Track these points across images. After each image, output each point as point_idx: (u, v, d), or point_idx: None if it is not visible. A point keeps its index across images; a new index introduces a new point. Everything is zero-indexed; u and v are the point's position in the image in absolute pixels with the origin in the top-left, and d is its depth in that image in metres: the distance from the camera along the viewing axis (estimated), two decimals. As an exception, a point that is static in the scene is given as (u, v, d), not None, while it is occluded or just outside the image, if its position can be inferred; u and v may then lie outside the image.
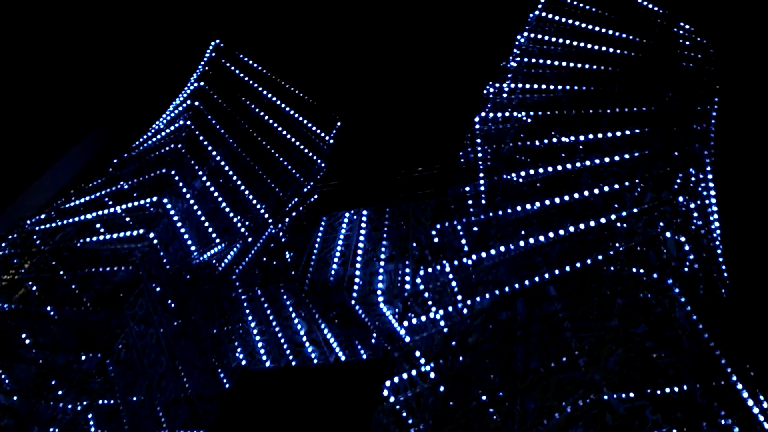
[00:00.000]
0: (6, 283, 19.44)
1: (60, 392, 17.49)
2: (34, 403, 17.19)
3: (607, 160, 17.73)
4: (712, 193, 17.88)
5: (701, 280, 15.05)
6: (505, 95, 21.37)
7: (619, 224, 16.03)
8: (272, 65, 26.94)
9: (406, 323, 16.77)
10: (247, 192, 23.48)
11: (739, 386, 13.84)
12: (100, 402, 17.07)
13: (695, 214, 15.75)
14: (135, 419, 18.58)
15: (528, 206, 17.50)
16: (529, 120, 20.50)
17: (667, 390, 13.12)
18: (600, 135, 18.65)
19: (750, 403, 14.00)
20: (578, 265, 15.31)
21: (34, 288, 19.36)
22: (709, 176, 18.23)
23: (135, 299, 19.04)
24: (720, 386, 13.82)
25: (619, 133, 18.49)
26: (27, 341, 18.13)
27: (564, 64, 21.33)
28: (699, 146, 17.35)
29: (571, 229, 16.22)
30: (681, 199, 15.67)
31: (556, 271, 15.50)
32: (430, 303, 16.95)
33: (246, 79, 26.19)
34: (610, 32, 21.67)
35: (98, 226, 20.88)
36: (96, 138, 29.63)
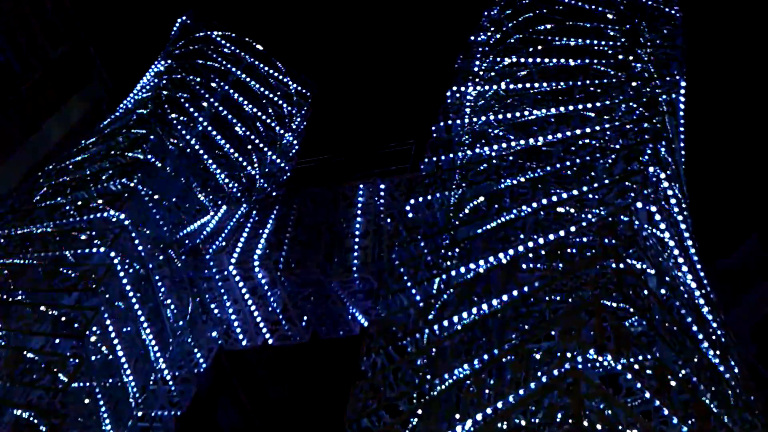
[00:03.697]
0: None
1: (35, 376, 17.36)
2: (9, 387, 17.04)
3: (578, 132, 17.82)
4: (683, 162, 18.06)
5: (672, 248, 15.22)
6: (476, 69, 21.36)
7: (590, 196, 16.15)
8: (242, 42, 26.71)
9: (381, 299, 16.82)
10: (218, 171, 23.34)
11: (711, 352, 14.07)
12: (76, 385, 16.95)
13: (665, 185, 15.89)
14: (111, 401, 18.51)
15: (501, 180, 17.58)
16: (500, 93, 20.53)
17: (640, 357, 13.28)
18: (571, 107, 18.73)
19: (721, 368, 14.25)
20: (551, 237, 15.41)
21: (5, 272, 19.14)
22: (681, 145, 18.40)
23: (108, 281, 18.88)
24: (691, 353, 14.03)
25: (590, 105, 18.58)
26: (-1, 326, 17.95)
27: (535, 36, 21.34)
28: (669, 116, 17.48)
29: (544, 201, 16.31)
30: (651, 169, 15.78)
31: (530, 244, 15.60)
32: (405, 278, 17.01)
33: (216, 56, 25.93)
34: (580, 4, 21.71)
35: (68, 208, 20.64)
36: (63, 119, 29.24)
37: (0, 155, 26.14)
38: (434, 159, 19.04)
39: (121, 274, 19.34)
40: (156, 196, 21.29)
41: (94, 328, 17.90)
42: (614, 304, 13.61)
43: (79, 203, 20.83)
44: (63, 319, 18.15)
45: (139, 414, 19.51)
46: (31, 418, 16.77)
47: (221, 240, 22.59)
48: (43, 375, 17.13)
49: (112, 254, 19.15)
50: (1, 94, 26.25)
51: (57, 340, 17.75)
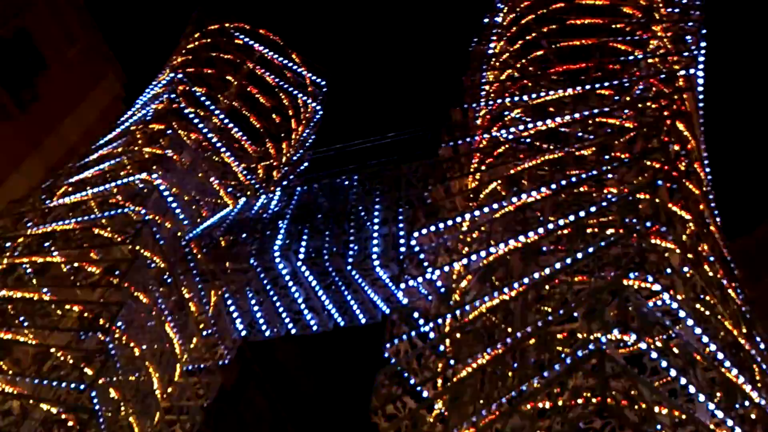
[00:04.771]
0: (0, 266, 19.36)
1: (62, 372, 17.53)
2: (37, 384, 17.23)
3: (596, 111, 17.67)
4: (702, 138, 17.86)
5: (694, 225, 15.07)
6: (490, 52, 21.23)
7: (610, 175, 16.02)
8: (255, 33, 26.71)
9: (402, 285, 16.80)
10: (236, 163, 23.39)
11: (735, 329, 13.94)
12: (102, 380, 17.07)
13: (686, 161, 15.73)
14: (138, 395, 18.64)
15: (518, 162, 17.48)
16: (516, 75, 20.39)
17: (665, 336, 13.20)
18: (588, 87, 18.56)
19: (746, 344, 14.11)
20: (571, 218, 15.32)
21: (29, 270, 19.31)
22: (700, 121, 18.18)
23: (131, 276, 18.98)
24: (716, 330, 13.91)
25: (607, 84, 18.40)
26: (25, 323, 18.11)
27: (549, 16, 21.15)
28: (687, 92, 17.28)
29: (563, 182, 16.19)
30: (671, 147, 15.63)
31: (550, 225, 15.51)
32: (425, 264, 16.97)
33: (229, 48, 25.96)
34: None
35: (90, 204, 20.79)
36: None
37: (19, 154, 26.37)
38: (451, 143, 18.95)
39: (144, 268, 19.44)
40: (175, 190, 21.37)
41: (119, 323, 18.02)
42: (637, 284, 13.53)
43: (100, 199, 20.97)
44: (87, 315, 18.28)
45: (166, 406, 19.66)
46: (60, 414, 16.95)
47: (241, 232, 22.63)
48: (70, 371, 17.29)
49: (134, 249, 19.24)
50: (18, 94, 26.45)
51: (82, 336, 17.88)
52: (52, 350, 17.62)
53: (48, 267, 19.35)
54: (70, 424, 16.49)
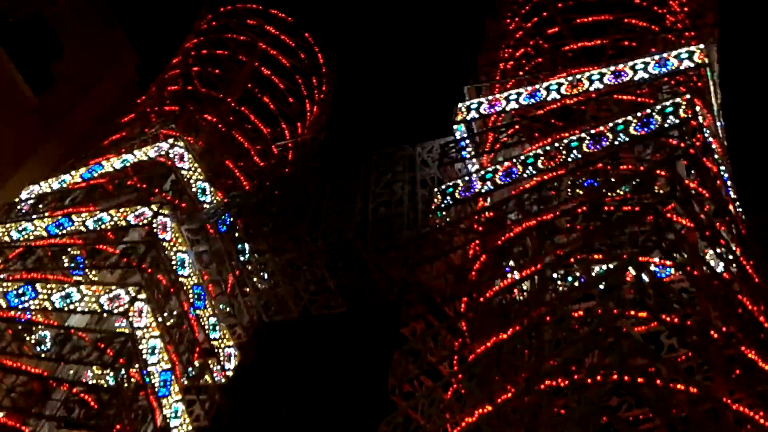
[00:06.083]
0: (20, 249, 19.54)
1: (83, 353, 17.67)
2: (57, 365, 17.43)
3: (611, 89, 17.53)
4: (720, 114, 17.68)
5: (710, 200, 14.96)
6: (505, 29, 21.09)
7: (627, 152, 15.93)
8: (267, 14, 26.66)
9: (419, 265, 16.83)
10: (251, 144, 23.43)
11: (754, 307, 13.84)
12: (122, 360, 17.22)
13: (703, 138, 15.57)
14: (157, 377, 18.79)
15: (534, 140, 17.39)
16: (531, 53, 20.26)
17: (682, 314, 13.13)
18: (603, 63, 18.41)
19: (764, 323, 14.01)
20: (587, 196, 15.25)
21: (48, 253, 19.45)
22: (718, 95, 17.99)
23: (149, 258, 19.09)
24: (734, 307, 13.83)
25: (622, 60, 18.24)
26: (45, 305, 18.25)
27: (564, -6, 21.02)
28: (704, 67, 17.10)
29: (579, 160, 16.11)
30: (689, 123, 15.49)
31: (565, 204, 15.47)
32: (441, 244, 16.97)
33: (242, 29, 25.94)
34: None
35: (107, 186, 20.90)
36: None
37: (36, 138, 26.55)
38: (465, 122, 18.86)
39: (162, 250, 19.54)
40: (192, 172, 21.43)
41: (137, 305, 18.14)
42: (654, 261, 13.47)
43: (117, 182, 21.07)
44: (106, 297, 18.39)
45: (186, 386, 19.81)
46: (81, 394, 17.14)
47: (257, 213, 22.69)
48: (90, 353, 17.44)
49: (152, 231, 19.33)
50: (33, 77, 26.59)
51: (101, 318, 18.03)
52: (74, 332, 17.76)
53: (66, 249, 19.49)
54: (92, 404, 16.67)
